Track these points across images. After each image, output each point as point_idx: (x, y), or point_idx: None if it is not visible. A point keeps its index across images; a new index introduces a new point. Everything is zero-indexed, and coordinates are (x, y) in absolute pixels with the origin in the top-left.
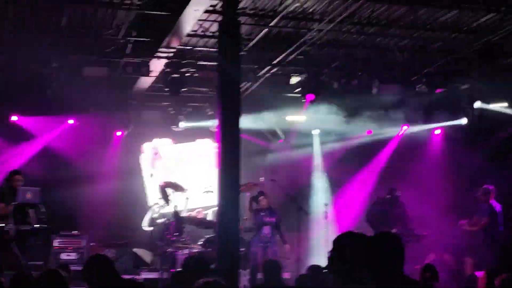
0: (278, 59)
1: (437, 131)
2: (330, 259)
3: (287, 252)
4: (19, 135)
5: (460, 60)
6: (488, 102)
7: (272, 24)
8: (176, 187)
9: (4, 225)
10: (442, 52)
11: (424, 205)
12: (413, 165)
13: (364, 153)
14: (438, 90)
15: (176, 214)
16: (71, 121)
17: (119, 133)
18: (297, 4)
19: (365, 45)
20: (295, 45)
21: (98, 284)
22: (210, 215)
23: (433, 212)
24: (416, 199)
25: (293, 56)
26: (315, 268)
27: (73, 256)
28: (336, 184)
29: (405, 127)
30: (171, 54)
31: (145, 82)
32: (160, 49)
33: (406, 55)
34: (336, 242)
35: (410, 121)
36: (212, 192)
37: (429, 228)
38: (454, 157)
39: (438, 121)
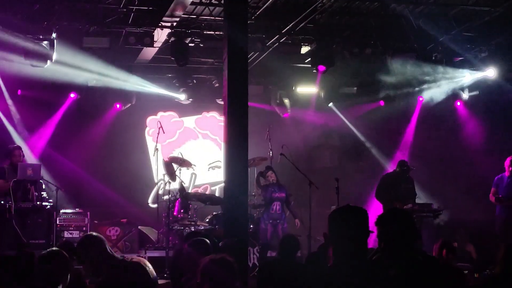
0: (287, 28)
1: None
2: (326, 234)
3: (297, 227)
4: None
5: (480, 27)
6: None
7: None
8: (182, 163)
9: (3, 202)
10: (460, 19)
11: (444, 179)
12: (432, 137)
13: (378, 125)
14: (456, 59)
15: (182, 190)
16: (72, 95)
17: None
18: None
19: (379, 12)
20: (305, 13)
21: (91, 265)
22: (217, 191)
23: (453, 187)
24: (437, 172)
25: (302, 24)
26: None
27: (75, 234)
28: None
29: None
30: (175, 24)
31: (148, 53)
32: (164, 18)
33: (421, 22)
34: (331, 217)
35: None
36: (219, 167)
37: (449, 204)
38: (475, 128)
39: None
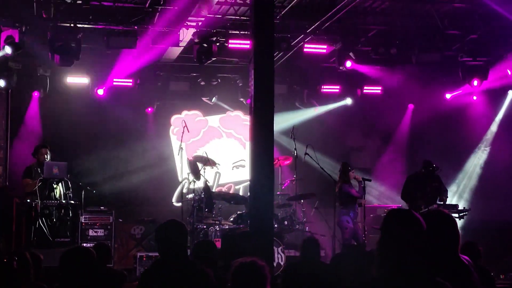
0: (312, 28)
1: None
2: (381, 241)
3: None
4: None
5: (506, 27)
6: None
7: None
8: (206, 162)
9: (30, 200)
10: (486, 18)
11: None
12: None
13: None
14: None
15: (206, 189)
16: (100, 92)
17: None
18: None
19: (404, 12)
20: (330, 13)
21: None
22: (241, 190)
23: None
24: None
25: (327, 24)
26: (351, 248)
27: (100, 232)
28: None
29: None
30: (200, 23)
31: (173, 52)
32: (189, 18)
33: (447, 22)
34: (388, 220)
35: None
36: (243, 166)
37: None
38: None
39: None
